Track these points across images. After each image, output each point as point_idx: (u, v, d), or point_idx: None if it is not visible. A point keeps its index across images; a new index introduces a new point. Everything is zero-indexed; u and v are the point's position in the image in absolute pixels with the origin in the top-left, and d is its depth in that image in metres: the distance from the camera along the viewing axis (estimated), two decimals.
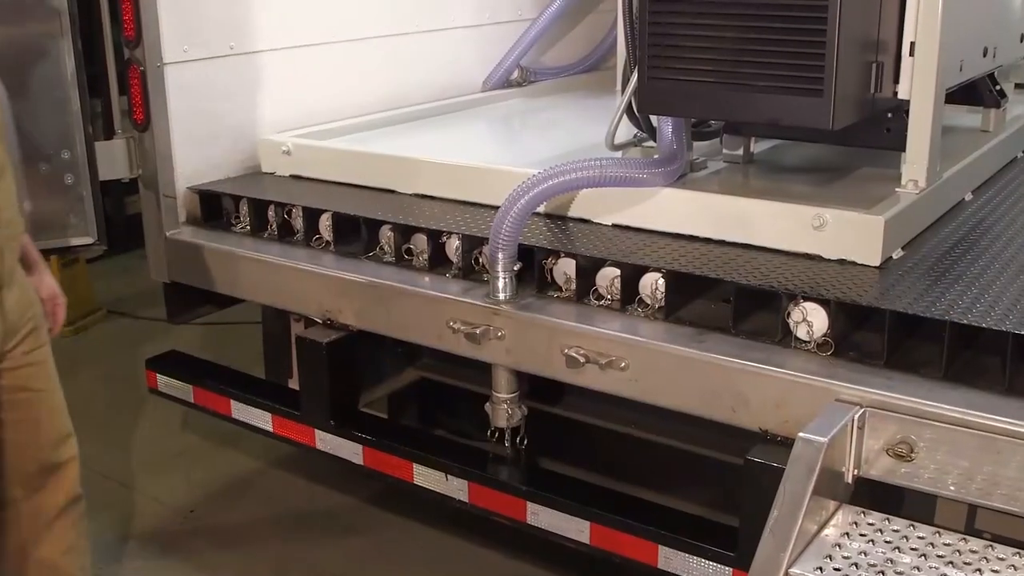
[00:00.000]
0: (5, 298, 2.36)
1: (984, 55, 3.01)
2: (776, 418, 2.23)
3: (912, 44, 2.58)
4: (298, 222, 3.18)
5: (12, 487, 2.54)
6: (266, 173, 3.56)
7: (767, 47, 2.40)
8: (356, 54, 3.94)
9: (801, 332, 2.31)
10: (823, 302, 2.29)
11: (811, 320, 2.29)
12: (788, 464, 2.02)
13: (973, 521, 2.22)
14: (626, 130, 3.02)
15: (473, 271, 2.81)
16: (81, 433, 2.59)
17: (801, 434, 2.03)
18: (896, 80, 2.61)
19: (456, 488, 2.84)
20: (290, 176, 3.52)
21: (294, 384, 3.34)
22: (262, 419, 3.20)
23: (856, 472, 2.13)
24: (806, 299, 2.30)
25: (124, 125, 3.31)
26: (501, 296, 2.62)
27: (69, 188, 3.15)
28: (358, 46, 3.95)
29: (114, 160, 3.30)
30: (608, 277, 2.57)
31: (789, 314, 2.32)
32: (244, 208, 3.27)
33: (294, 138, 3.56)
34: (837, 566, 1.95)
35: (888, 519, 2.07)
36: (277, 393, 3.33)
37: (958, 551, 1.98)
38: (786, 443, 2.17)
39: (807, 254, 2.55)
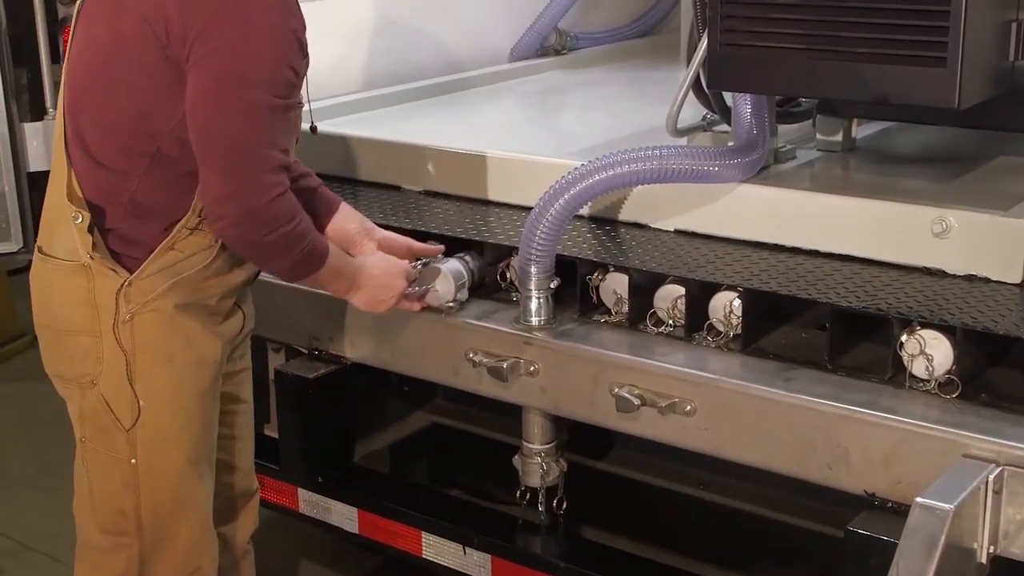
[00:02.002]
0: (244, 298, 2.66)
1: None
2: (886, 478, 2.22)
3: None
4: None
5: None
6: None
7: (875, 4, 2.39)
8: (351, 15, 3.96)
9: (918, 368, 2.29)
10: (947, 330, 2.27)
11: (931, 353, 2.27)
12: (902, 538, 2.00)
13: None
14: (692, 111, 3.01)
15: (499, 289, 2.82)
16: None
17: (919, 499, 2.02)
18: None
19: (476, 564, 2.84)
20: None
21: (272, 431, 3.35)
22: None
23: (992, 549, 2.10)
24: (924, 326, 2.28)
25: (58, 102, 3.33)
26: (534, 320, 2.62)
27: None
28: (353, 5, 3.97)
29: (45, 147, 3.32)
30: (670, 297, 2.56)
31: (902, 345, 2.30)
32: None
33: None
34: None
35: None
36: None
37: None
38: (899, 510, 2.16)
39: (925, 268, 2.53)
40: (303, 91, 2.41)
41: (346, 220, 2.74)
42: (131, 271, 2.39)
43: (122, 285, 2.38)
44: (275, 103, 2.28)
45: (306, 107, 2.47)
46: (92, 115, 2.38)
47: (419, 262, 2.69)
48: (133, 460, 2.44)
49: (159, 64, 2.28)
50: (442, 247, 2.79)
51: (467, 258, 2.76)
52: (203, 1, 2.24)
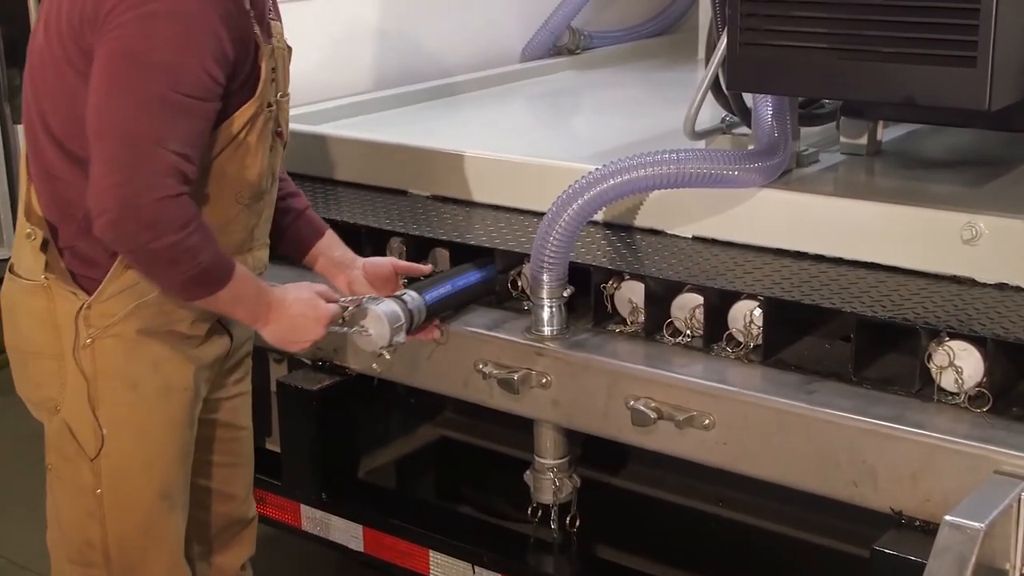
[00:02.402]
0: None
1: None
2: (914, 496, 2.21)
3: None
4: None
5: (192, 542, 2.69)
6: None
7: (901, 2, 2.39)
8: (358, 14, 3.97)
9: (947, 381, 2.28)
10: (977, 341, 2.26)
11: (960, 365, 2.26)
12: (931, 558, 2.00)
13: None
14: (711, 113, 3.01)
15: (510, 297, 2.82)
16: None
17: (948, 517, 2.01)
18: None
19: None
20: None
21: (273, 445, 3.35)
22: None
23: None
24: (953, 336, 2.28)
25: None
26: (546, 330, 2.62)
27: None
28: (360, 4, 3.98)
29: None
30: (687, 307, 2.56)
31: (930, 357, 2.30)
32: None
33: None
34: None
35: None
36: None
37: None
38: (927, 529, 2.15)
39: (954, 276, 2.53)
40: (270, 105, 2.36)
41: (329, 247, 2.70)
42: (90, 293, 2.34)
43: (81, 308, 2.34)
44: (173, 98, 2.16)
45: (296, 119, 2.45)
46: (42, 124, 2.33)
47: (351, 299, 2.53)
48: (98, 490, 2.41)
49: (84, 60, 2.22)
50: (429, 267, 2.76)
51: (406, 298, 2.58)
52: None
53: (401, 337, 2.56)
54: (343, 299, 2.52)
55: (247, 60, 2.29)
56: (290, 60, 2.51)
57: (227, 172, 2.34)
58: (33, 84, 2.34)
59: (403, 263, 2.74)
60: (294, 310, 2.41)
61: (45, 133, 2.32)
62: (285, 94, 2.48)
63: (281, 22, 2.48)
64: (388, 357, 2.57)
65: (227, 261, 2.31)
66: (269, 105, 2.36)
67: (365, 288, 2.67)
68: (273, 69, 2.38)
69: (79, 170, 2.26)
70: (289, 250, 2.72)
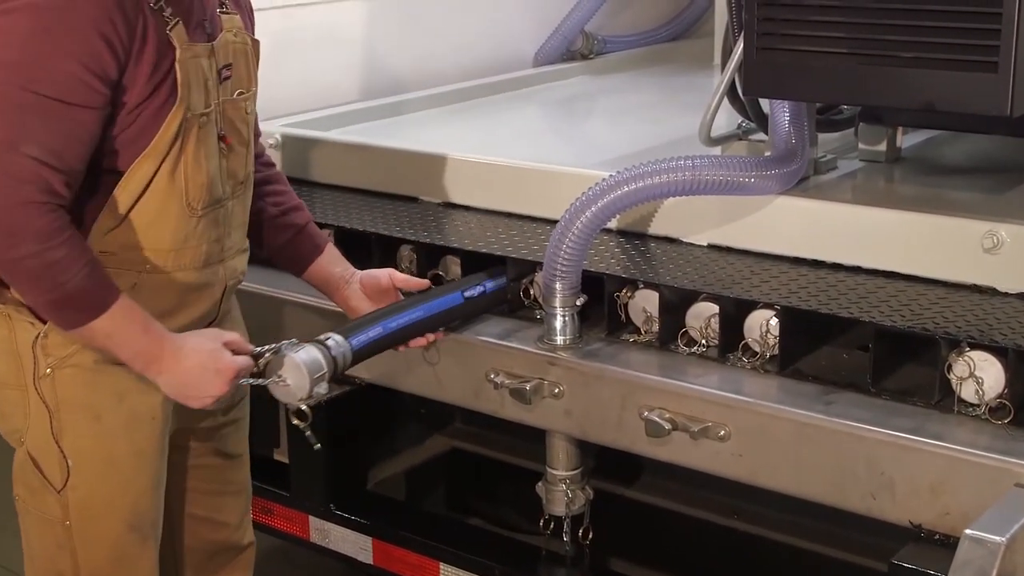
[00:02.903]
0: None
1: None
2: (933, 509, 2.20)
3: None
4: None
5: (182, 571, 2.68)
6: None
7: (921, 6, 2.39)
8: (367, 16, 3.97)
9: (967, 392, 2.28)
10: (998, 351, 2.26)
11: (981, 376, 2.26)
12: (950, 572, 1.99)
13: None
14: (727, 119, 3.01)
15: (522, 306, 2.81)
16: None
17: (968, 531, 2.00)
18: None
19: None
20: None
21: (281, 456, 3.35)
22: None
23: None
24: (974, 347, 2.27)
25: None
26: (559, 340, 2.62)
27: None
28: (368, 6, 3.99)
29: None
30: (703, 316, 2.56)
31: (950, 367, 2.29)
32: None
33: (284, 128, 3.59)
34: None
35: None
36: (259, 467, 3.34)
37: None
38: (947, 543, 2.15)
39: (975, 285, 2.52)
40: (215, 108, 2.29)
41: (328, 264, 2.67)
42: (45, 321, 2.26)
43: (37, 336, 2.27)
44: (28, 99, 2.05)
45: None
46: None
47: (268, 348, 2.37)
48: (67, 522, 2.37)
49: None
50: (427, 283, 2.71)
51: (330, 343, 2.42)
52: None
53: (323, 388, 2.40)
54: (259, 348, 2.37)
55: (155, 65, 2.18)
56: (255, 54, 2.45)
57: (170, 186, 2.26)
58: None
59: (401, 276, 2.68)
60: (192, 361, 2.25)
61: None
62: (245, 91, 2.42)
63: (247, 14, 2.45)
64: (307, 410, 2.40)
65: (106, 289, 2.17)
66: (205, 109, 2.27)
67: (363, 304, 2.64)
68: (223, 69, 2.32)
69: None
70: (288, 266, 2.70)
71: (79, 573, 2.41)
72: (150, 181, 2.25)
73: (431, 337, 2.67)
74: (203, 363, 2.26)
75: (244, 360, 2.31)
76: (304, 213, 2.70)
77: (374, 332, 2.54)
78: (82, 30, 2.07)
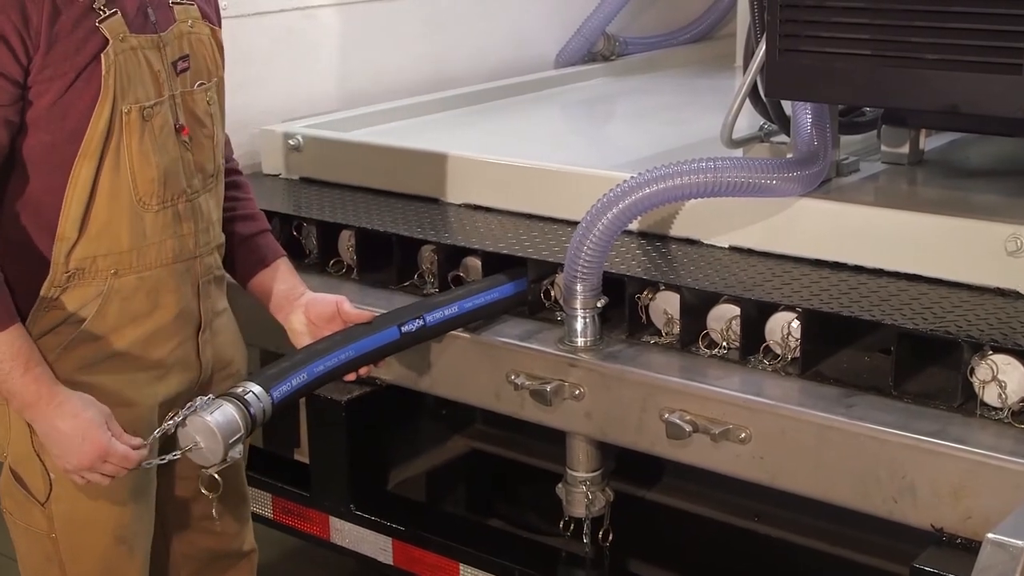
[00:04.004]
0: (203, 342, 2.46)
1: None
2: (955, 513, 2.20)
3: None
4: (311, 240, 3.21)
5: None
6: (268, 175, 3.61)
7: (945, 8, 2.38)
8: (387, 18, 3.98)
9: (990, 395, 2.27)
10: (1021, 355, 2.25)
11: (1004, 379, 2.25)
12: None
13: None
14: (749, 120, 3.00)
15: (543, 308, 2.81)
16: None
17: (990, 535, 1.98)
18: None
19: None
20: (300, 179, 3.55)
21: (302, 456, 3.36)
22: (259, 501, 3.22)
23: None
24: (997, 350, 2.27)
25: None
26: (580, 341, 2.62)
27: None
28: (390, 7, 3.99)
29: None
30: (724, 318, 2.56)
31: (973, 371, 2.29)
32: None
33: (306, 128, 3.60)
34: None
35: None
36: (279, 467, 3.35)
37: None
38: (968, 547, 2.14)
39: (998, 289, 2.52)
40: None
41: (273, 280, 2.59)
42: None
43: None
44: None
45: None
46: None
47: (176, 415, 2.23)
48: (53, 535, 2.36)
49: None
50: (370, 314, 2.56)
51: (248, 397, 2.26)
52: None
53: (237, 451, 2.24)
54: (163, 425, 2.25)
55: (80, 59, 2.14)
56: (217, 44, 2.40)
57: (115, 183, 2.22)
58: None
59: (348, 308, 2.54)
60: (67, 423, 2.17)
61: None
62: (206, 82, 2.37)
63: (210, 4, 2.41)
64: (219, 479, 2.26)
65: (3, 311, 2.13)
66: (151, 101, 2.22)
67: (303, 330, 2.55)
68: (179, 61, 2.28)
69: None
70: (232, 275, 2.60)
71: None
72: (95, 182, 2.21)
73: (362, 372, 2.56)
74: (77, 429, 2.17)
75: (122, 448, 2.21)
76: (256, 223, 2.62)
77: (298, 380, 2.38)
78: None
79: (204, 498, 2.42)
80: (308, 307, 2.57)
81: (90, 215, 2.22)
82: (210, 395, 2.28)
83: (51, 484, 2.32)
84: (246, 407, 2.25)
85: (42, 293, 2.23)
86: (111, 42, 2.17)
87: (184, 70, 2.32)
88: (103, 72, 2.16)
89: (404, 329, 2.58)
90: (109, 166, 2.22)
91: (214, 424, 2.19)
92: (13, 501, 2.39)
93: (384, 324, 2.57)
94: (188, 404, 2.23)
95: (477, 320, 2.75)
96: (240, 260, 2.57)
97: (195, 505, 2.59)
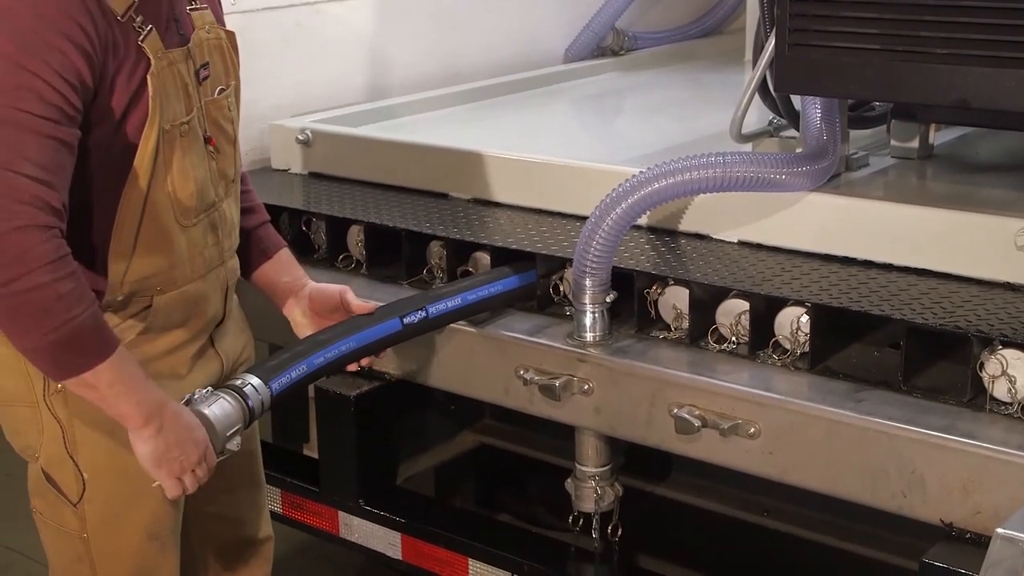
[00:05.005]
0: (221, 335, 2.46)
1: None
2: (964, 507, 2.20)
3: None
4: (319, 235, 3.22)
5: (200, 566, 2.67)
6: (277, 170, 3.61)
7: (955, 1, 2.38)
8: (396, 13, 3.99)
9: (999, 390, 2.27)
10: None
11: (1014, 374, 2.25)
12: (981, 571, 1.98)
13: None
14: (758, 115, 3.00)
15: (551, 303, 2.82)
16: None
17: (1000, 530, 1.98)
18: None
19: None
20: (309, 174, 3.56)
21: (311, 451, 3.37)
22: (268, 496, 3.21)
23: None
24: (1006, 345, 2.27)
25: None
26: (589, 336, 2.62)
27: None
28: (399, 2, 4.00)
29: None
30: (733, 313, 2.56)
31: (982, 365, 2.28)
32: None
33: (315, 123, 3.61)
34: None
35: None
36: (288, 462, 3.36)
37: None
38: (978, 541, 2.14)
39: (1008, 283, 2.51)
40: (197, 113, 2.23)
41: (276, 272, 2.59)
42: None
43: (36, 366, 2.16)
44: (19, 119, 1.96)
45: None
46: None
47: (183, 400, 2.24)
48: (84, 535, 2.36)
49: None
50: (373, 305, 2.58)
51: (247, 390, 2.28)
52: None
53: (235, 444, 2.27)
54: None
55: (130, 79, 2.12)
56: (232, 47, 2.38)
57: (163, 203, 2.22)
58: None
59: (351, 300, 2.56)
60: (183, 420, 2.17)
61: None
62: (226, 87, 2.36)
63: (215, 5, 2.39)
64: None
65: (108, 331, 2.08)
66: (187, 116, 2.22)
67: (305, 321, 2.57)
68: (200, 69, 2.27)
69: None
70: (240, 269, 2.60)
71: None
72: (144, 205, 2.20)
73: (364, 362, 2.58)
74: (190, 427, 2.18)
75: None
76: (258, 216, 2.62)
77: (297, 372, 2.39)
78: (54, 46, 1.99)
79: (220, 486, 2.45)
80: (311, 298, 2.58)
81: (140, 237, 2.21)
82: (208, 388, 2.28)
83: (84, 485, 2.32)
84: (244, 399, 2.26)
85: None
86: (153, 61, 2.15)
87: (206, 78, 2.31)
88: (150, 93, 2.14)
89: (406, 320, 2.59)
90: (157, 186, 2.20)
91: (211, 417, 2.21)
92: (44, 502, 2.39)
93: (386, 315, 2.58)
94: (186, 397, 2.23)
95: (481, 312, 2.77)
96: (242, 253, 2.56)
97: (214, 494, 2.58)
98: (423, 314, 2.63)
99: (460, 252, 2.96)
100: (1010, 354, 2.26)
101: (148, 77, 2.13)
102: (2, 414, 2.37)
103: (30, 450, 2.35)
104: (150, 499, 2.34)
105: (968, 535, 2.20)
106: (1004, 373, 2.26)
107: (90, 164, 2.13)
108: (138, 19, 2.13)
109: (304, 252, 3.21)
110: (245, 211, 2.56)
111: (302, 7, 3.71)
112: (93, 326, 2.03)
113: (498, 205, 3.19)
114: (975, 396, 2.30)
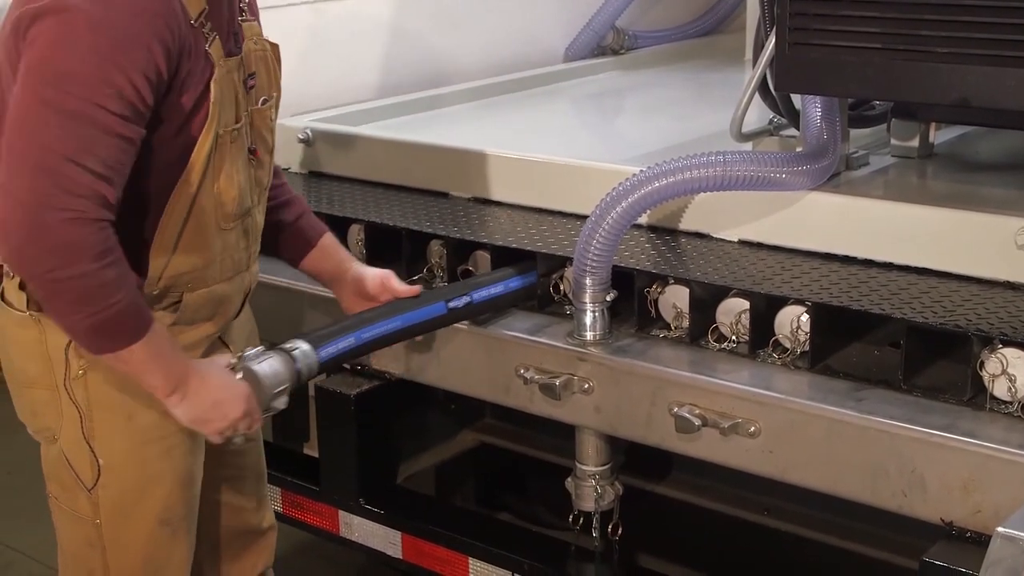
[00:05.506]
0: (228, 330, 2.52)
1: None
2: (964, 506, 2.20)
3: None
4: None
5: (204, 555, 2.68)
6: None
7: (957, 0, 2.38)
8: (396, 12, 3.99)
9: (999, 389, 2.27)
10: None
11: (1014, 373, 2.25)
12: (982, 570, 1.98)
13: None
14: (759, 114, 3.00)
15: (552, 301, 2.82)
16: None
17: (1000, 529, 1.99)
18: None
19: None
20: (309, 173, 3.56)
21: (311, 450, 3.37)
22: (268, 495, 3.22)
23: None
24: (1007, 344, 2.27)
25: None
26: (589, 335, 2.62)
27: None
28: (399, 1, 4.00)
29: None
30: (733, 312, 2.56)
31: (983, 364, 2.28)
32: None
33: (314, 122, 3.61)
34: None
35: None
36: (288, 462, 3.36)
37: None
38: (978, 540, 2.14)
39: (1008, 282, 2.51)
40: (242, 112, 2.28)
41: (321, 260, 2.68)
42: None
43: (71, 340, 2.24)
44: (91, 112, 2.01)
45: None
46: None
47: (229, 363, 2.33)
48: (97, 520, 2.38)
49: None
50: (417, 289, 2.68)
51: (296, 353, 2.38)
52: None
53: (282, 403, 2.37)
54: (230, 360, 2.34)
55: (197, 82, 2.17)
56: (277, 58, 2.44)
57: (208, 206, 2.27)
58: (3, 113, 2.17)
59: (395, 284, 2.64)
60: (213, 383, 2.25)
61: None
62: (269, 97, 2.41)
63: (259, 20, 2.43)
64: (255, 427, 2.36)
65: (145, 311, 2.15)
66: (236, 124, 2.27)
67: (354, 302, 2.64)
68: (248, 79, 2.31)
69: None
70: (282, 259, 2.71)
71: (109, 572, 2.42)
72: (192, 205, 2.25)
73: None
74: (223, 386, 2.27)
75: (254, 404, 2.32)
76: (297, 207, 2.68)
77: (345, 343, 2.48)
78: (142, 45, 2.04)
79: (228, 474, 2.57)
80: (356, 281, 2.66)
81: (183, 235, 2.26)
82: (261, 347, 2.38)
83: (99, 471, 2.35)
84: (294, 362, 2.36)
85: None
86: (217, 67, 2.20)
87: (251, 87, 2.36)
88: (212, 98, 2.20)
89: (451, 305, 2.67)
90: (204, 188, 2.25)
91: (259, 374, 2.31)
92: (60, 486, 2.42)
93: (432, 299, 2.67)
94: (239, 354, 2.33)
95: (519, 302, 2.81)
96: (287, 245, 2.66)
97: (219, 483, 2.63)
98: (468, 299, 2.70)
99: (460, 251, 2.96)
100: (1010, 353, 2.26)
101: (212, 83, 2.18)
102: (20, 395, 2.41)
103: (48, 432, 2.39)
104: (162, 486, 2.39)
105: (968, 534, 2.20)
106: (1004, 372, 2.26)
107: (148, 160, 2.17)
108: (207, 25, 2.19)
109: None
110: (284, 204, 2.64)
111: (301, 6, 3.71)
112: (131, 311, 2.10)
113: (498, 204, 3.19)
114: (975, 395, 2.30)
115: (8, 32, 2.09)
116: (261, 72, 2.39)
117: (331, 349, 2.45)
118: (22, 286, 2.27)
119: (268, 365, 2.32)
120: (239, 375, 2.30)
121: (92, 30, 2.01)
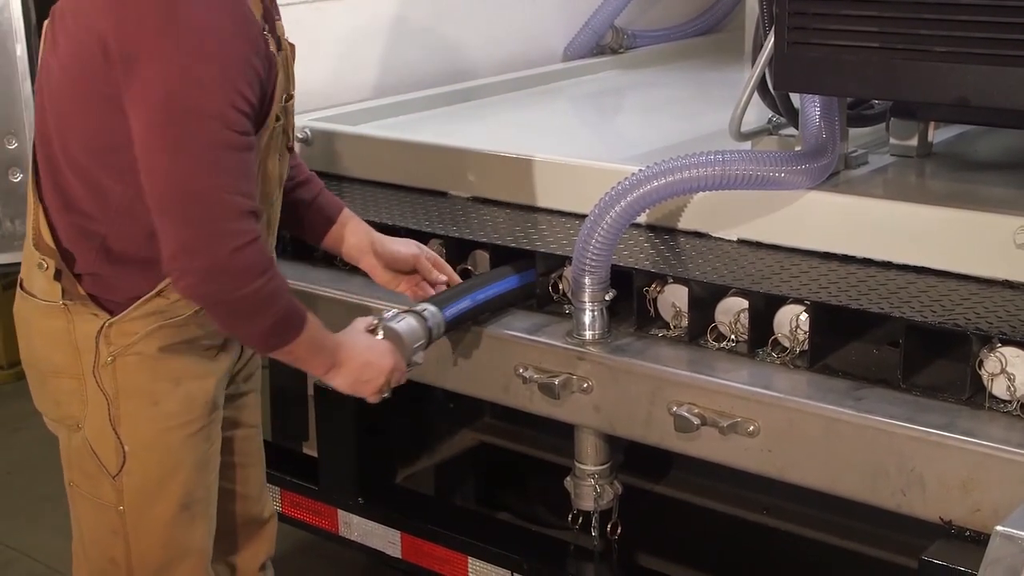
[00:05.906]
0: None
1: None
2: (963, 505, 2.20)
3: None
4: None
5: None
6: None
7: None
8: (395, 11, 3.98)
9: (998, 388, 2.27)
10: None
11: (1013, 372, 2.25)
12: (981, 569, 1.98)
13: None
14: (758, 113, 3.00)
15: (551, 301, 2.82)
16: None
17: (999, 528, 1.98)
18: None
19: None
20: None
21: (311, 449, 3.37)
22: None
23: None
24: (1006, 343, 2.27)
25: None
26: (588, 335, 2.62)
27: (12, 189, 3.18)
28: (399, 2, 4.00)
29: None
30: (732, 311, 2.56)
31: (981, 363, 2.29)
32: None
33: (313, 121, 3.61)
34: None
35: None
36: (288, 461, 3.36)
37: None
38: (977, 539, 2.15)
39: (1007, 281, 2.51)
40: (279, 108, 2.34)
41: (342, 234, 2.73)
42: (112, 313, 2.33)
43: (102, 327, 2.32)
44: (231, 139, 2.14)
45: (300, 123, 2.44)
46: (64, 154, 2.29)
47: (369, 325, 2.49)
48: (121, 507, 2.42)
49: (106, 92, 2.16)
50: (448, 268, 2.77)
51: (426, 313, 2.56)
52: (139, 18, 2.11)
53: (420, 357, 2.54)
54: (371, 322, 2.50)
55: (270, 79, 2.27)
56: (294, 58, 2.47)
57: None
58: (54, 114, 2.29)
59: (426, 259, 2.74)
60: (361, 346, 2.42)
61: (68, 164, 2.29)
62: (291, 96, 2.44)
63: (280, 19, 2.46)
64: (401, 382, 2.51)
65: (300, 306, 2.31)
66: (279, 117, 2.33)
67: (382, 275, 2.72)
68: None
69: (101, 200, 2.27)
70: (306, 239, 2.79)
71: (131, 558, 2.45)
72: None
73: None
74: (369, 347, 2.42)
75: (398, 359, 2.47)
76: (314, 186, 2.73)
77: (464, 304, 2.68)
78: (249, 69, 2.17)
79: (233, 460, 2.65)
80: (378, 252, 2.73)
81: None
82: (395, 310, 2.54)
83: (124, 457, 2.39)
84: (425, 321, 2.54)
85: (162, 285, 2.31)
86: (280, 70, 2.29)
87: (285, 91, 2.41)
88: (275, 96, 2.29)
89: (540, 271, 2.80)
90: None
91: (401, 331, 2.48)
92: (82, 474, 2.45)
93: (522, 267, 2.81)
94: (376, 318, 2.49)
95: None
96: (309, 224, 2.72)
97: (228, 471, 2.65)
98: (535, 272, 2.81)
99: (459, 250, 2.96)
100: (1009, 352, 2.26)
101: (276, 81, 2.28)
102: (43, 384, 2.45)
103: (71, 420, 2.42)
104: (184, 471, 2.44)
105: (967, 533, 2.20)
106: (1003, 371, 2.26)
107: None
108: (266, 27, 2.28)
109: (304, 252, 3.21)
110: (304, 183, 2.71)
111: (300, 5, 3.70)
112: (292, 309, 2.27)
113: (497, 203, 3.19)
114: (974, 394, 2.30)
115: (92, 39, 2.15)
116: (288, 70, 2.44)
117: (454, 309, 2.64)
118: (56, 276, 2.32)
119: (406, 324, 2.50)
120: (380, 335, 2.46)
121: (204, 63, 2.11)
